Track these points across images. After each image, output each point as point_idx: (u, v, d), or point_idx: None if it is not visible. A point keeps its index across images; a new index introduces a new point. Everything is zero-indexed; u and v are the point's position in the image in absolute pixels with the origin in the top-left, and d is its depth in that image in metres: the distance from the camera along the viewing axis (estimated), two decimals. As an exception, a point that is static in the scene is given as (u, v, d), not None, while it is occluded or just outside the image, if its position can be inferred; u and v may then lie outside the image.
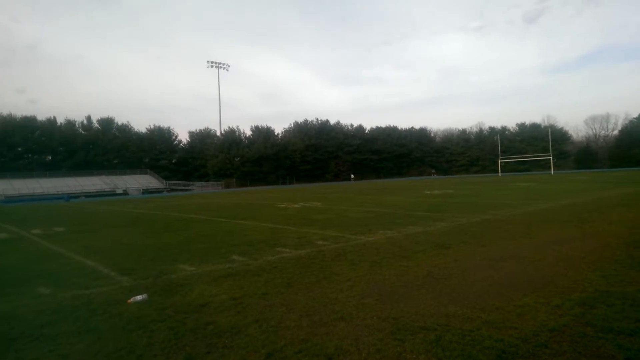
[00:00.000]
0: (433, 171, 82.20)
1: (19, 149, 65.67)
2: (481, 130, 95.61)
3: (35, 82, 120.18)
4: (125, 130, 75.22)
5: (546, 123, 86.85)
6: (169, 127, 79.44)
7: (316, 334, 4.00)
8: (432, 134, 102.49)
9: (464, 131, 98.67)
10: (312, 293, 5.35)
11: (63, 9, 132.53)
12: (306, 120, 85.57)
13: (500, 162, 71.19)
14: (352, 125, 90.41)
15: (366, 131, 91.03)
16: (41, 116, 68.64)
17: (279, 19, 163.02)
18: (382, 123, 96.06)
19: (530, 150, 78.90)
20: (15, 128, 63.41)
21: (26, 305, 5.36)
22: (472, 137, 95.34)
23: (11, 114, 65.77)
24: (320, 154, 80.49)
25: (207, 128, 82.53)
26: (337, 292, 5.32)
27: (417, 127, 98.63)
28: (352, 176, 73.55)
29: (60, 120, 70.36)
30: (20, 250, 10.38)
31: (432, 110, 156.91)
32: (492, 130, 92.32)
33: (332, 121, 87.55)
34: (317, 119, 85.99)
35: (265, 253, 8.25)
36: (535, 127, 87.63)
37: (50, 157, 68.63)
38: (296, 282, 5.90)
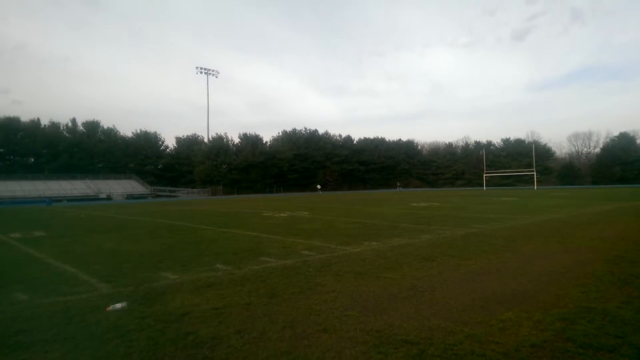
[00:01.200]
0: (398, 184, 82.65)
1: (1, 150, 64.67)
2: (467, 145, 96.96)
3: (20, 82, 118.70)
4: (110, 134, 74.54)
5: (530, 139, 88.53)
6: (156, 132, 79.09)
7: (298, 346, 3.95)
8: (419, 147, 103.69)
9: (450, 145, 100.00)
10: (296, 304, 5.30)
11: (52, 9, 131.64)
12: (295, 130, 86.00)
13: (485, 176, 72.04)
14: (340, 135, 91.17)
15: (354, 142, 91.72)
16: (25, 117, 67.96)
17: (270, 27, 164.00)
18: (371, 134, 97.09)
19: (514, 165, 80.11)
20: (-3, 129, 62.37)
21: (1, 312, 5.20)
22: (459, 150, 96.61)
23: (-8, 115, 64.64)
24: (309, 164, 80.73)
25: (195, 134, 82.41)
26: (321, 304, 5.28)
27: (404, 139, 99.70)
28: (319, 187, 73.20)
29: (45, 122, 69.59)
30: (-3, 255, 10.11)
31: (420, 123, 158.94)
32: (478, 144, 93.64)
33: (321, 131, 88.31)
34: (305, 128, 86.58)
35: (250, 262, 8.17)
36: (519, 142, 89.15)
37: (32, 160, 67.64)
38: (280, 293, 5.85)
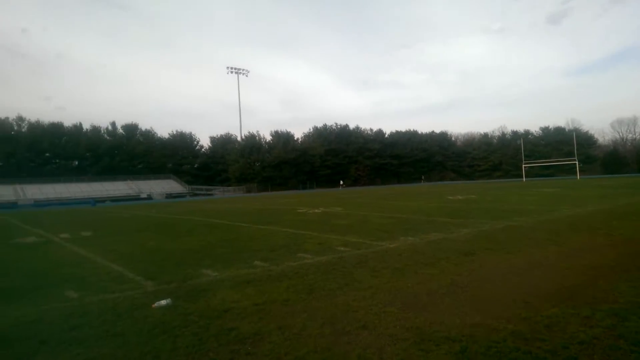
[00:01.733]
0: (422, 177, 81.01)
1: (47, 154, 67.78)
2: (503, 134, 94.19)
3: (62, 89, 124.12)
4: (148, 135, 76.82)
5: (570, 126, 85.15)
6: (191, 133, 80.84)
7: (339, 343, 3.97)
8: (453, 138, 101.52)
9: (485, 135, 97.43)
10: (334, 300, 5.33)
11: (89, 17, 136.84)
12: (325, 125, 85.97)
13: (524, 167, 69.86)
14: (371, 129, 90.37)
15: (386, 135, 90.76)
16: (68, 122, 70.87)
17: (297, 24, 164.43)
18: (402, 127, 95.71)
19: (554, 155, 77.31)
20: (43, 134, 65.65)
21: (55, 309, 5.47)
22: (495, 141, 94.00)
23: (39, 121, 68.17)
24: (340, 159, 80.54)
25: (228, 133, 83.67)
26: (359, 300, 5.28)
27: (437, 131, 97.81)
28: (342, 183, 72.58)
29: (86, 126, 72.47)
30: (49, 254, 10.65)
31: (453, 114, 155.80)
32: (515, 134, 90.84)
33: (352, 126, 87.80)
34: (336, 123, 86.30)
35: (287, 259, 8.26)
36: (559, 130, 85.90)
37: (77, 163, 70.52)
38: (318, 289, 5.89)
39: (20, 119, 67.09)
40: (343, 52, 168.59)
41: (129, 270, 7.79)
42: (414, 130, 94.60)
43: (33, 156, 65.11)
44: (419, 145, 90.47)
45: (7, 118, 65.88)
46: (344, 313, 4.80)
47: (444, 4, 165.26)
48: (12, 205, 47.34)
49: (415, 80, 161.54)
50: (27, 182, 57.49)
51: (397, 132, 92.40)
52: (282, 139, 76.43)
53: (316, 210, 20.84)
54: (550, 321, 4.28)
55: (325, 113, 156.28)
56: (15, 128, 66.40)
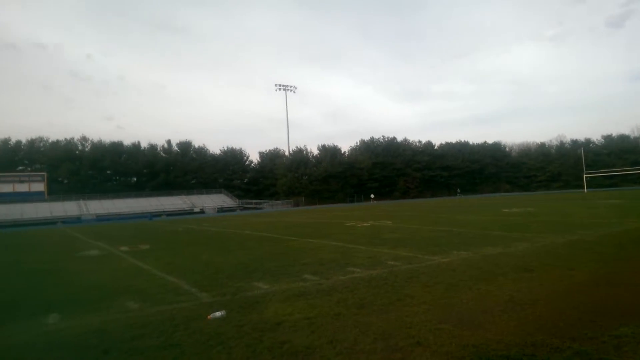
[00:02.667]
0: (458, 190, 77.61)
1: (108, 172, 71.92)
2: (562, 144, 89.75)
3: (122, 109, 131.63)
4: (201, 152, 79.67)
5: (636, 134, 79.73)
6: (241, 149, 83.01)
7: (392, 359, 3.91)
8: (507, 149, 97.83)
9: (542, 145, 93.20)
10: (386, 315, 5.26)
11: (146, 41, 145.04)
12: (372, 138, 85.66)
13: (586, 177, 66.07)
14: (420, 141, 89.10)
15: (435, 147, 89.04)
16: (127, 141, 74.95)
17: (343, 38, 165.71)
18: (452, 138, 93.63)
19: (618, 164, 72.55)
20: (105, 153, 69.75)
21: (116, 320, 5.75)
22: (552, 150, 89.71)
23: (101, 140, 72.53)
24: (388, 171, 79.79)
25: (276, 148, 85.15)
26: (412, 316, 5.18)
27: (490, 141, 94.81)
28: (372, 196, 70.96)
29: (144, 144, 76.20)
30: (110, 267, 11.24)
31: (507, 124, 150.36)
32: (575, 143, 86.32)
33: (400, 138, 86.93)
34: (383, 136, 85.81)
35: (337, 272, 8.26)
36: (623, 138, 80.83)
37: (135, 179, 74.20)
38: (369, 304, 5.83)
39: (84, 139, 71.91)
40: (390, 63, 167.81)
41: (184, 283, 8.07)
42: (464, 141, 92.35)
43: (95, 173, 69.36)
44: (470, 156, 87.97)
45: (72, 138, 70.96)
46: (396, 329, 4.72)
47: (497, 11, 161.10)
48: (77, 220, 50.53)
49: (466, 90, 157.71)
50: (90, 197, 61.11)
51: (447, 144, 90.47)
52: (329, 153, 76.94)
53: (365, 224, 20.71)
54: (619, 341, 4.01)
55: (372, 125, 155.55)
56: (80, 148, 71.19)
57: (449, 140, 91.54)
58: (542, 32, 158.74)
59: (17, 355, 4.57)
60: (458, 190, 78.02)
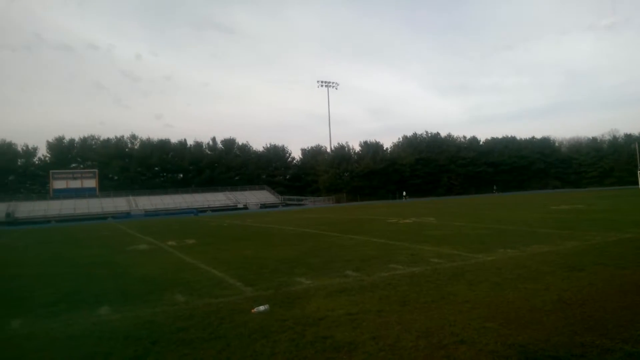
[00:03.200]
0: (495, 187, 74.05)
1: (156, 168, 74.55)
2: (615, 138, 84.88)
3: (169, 108, 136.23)
4: (244, 149, 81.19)
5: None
6: (283, 145, 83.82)
7: (435, 357, 3.87)
8: (556, 144, 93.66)
9: (594, 139, 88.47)
10: (429, 313, 5.19)
11: (193, 41, 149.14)
12: (415, 134, 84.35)
13: (640, 173, 62.12)
14: (464, 137, 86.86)
15: (480, 143, 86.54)
16: (174, 139, 77.29)
17: (386, 32, 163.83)
18: (499, 134, 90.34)
19: (680, 158, 67.65)
20: (153, 150, 72.39)
21: (165, 312, 5.99)
22: (605, 145, 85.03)
23: (149, 138, 75.25)
24: (431, 168, 78.28)
25: (318, 145, 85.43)
26: (455, 314, 5.09)
27: (538, 136, 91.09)
28: (405, 194, 69.04)
29: (190, 142, 78.43)
30: (158, 261, 11.70)
31: (556, 118, 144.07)
32: (629, 137, 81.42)
33: (443, 133, 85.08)
34: (427, 131, 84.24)
35: (379, 269, 8.23)
36: (683, 132, 75.11)
37: (181, 175, 76.57)
38: (411, 301, 5.78)
39: (134, 137, 74.95)
40: (436, 57, 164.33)
41: (229, 277, 8.30)
42: (511, 136, 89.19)
43: (144, 170, 72.17)
44: (517, 152, 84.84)
45: (122, 137, 74.13)
46: (440, 327, 4.66)
47: (547, 1, 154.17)
48: (126, 215, 52.94)
49: (515, 83, 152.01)
50: (139, 194, 63.78)
51: (493, 139, 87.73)
52: (371, 149, 76.41)
53: (407, 221, 20.47)
54: (681, 347, 3.77)
55: (415, 121, 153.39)
56: (129, 145, 74.31)
57: (495, 136, 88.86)
58: (595, 22, 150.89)
59: (76, 344, 4.86)
60: (494, 187, 75.15)
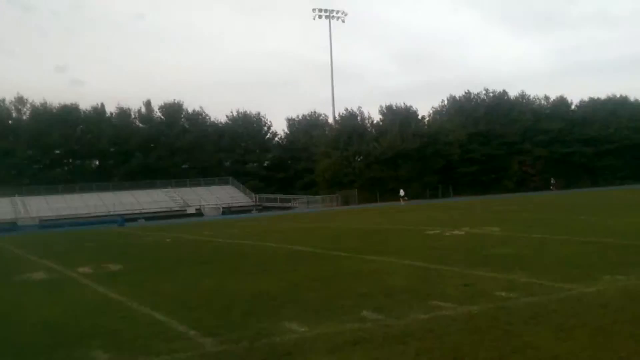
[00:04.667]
0: (553, 181, 74.04)
1: (57, 151, 72.94)
2: None
3: (78, 54, 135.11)
4: (197, 120, 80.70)
5: None
6: (259, 114, 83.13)
7: None
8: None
9: None
10: (495, 376, 5.27)
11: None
12: (469, 94, 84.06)
13: None
14: (547, 97, 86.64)
15: (573, 107, 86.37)
16: (85, 104, 76.42)
17: None
18: (602, 93, 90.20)
19: None
20: (51, 123, 70.06)
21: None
22: None
23: (46, 103, 72.61)
24: (494, 148, 78.03)
25: (314, 113, 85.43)
26: (537, 378, 5.16)
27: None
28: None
29: (111, 109, 77.45)
30: (65, 298, 11.72)
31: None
32: None
33: (513, 92, 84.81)
34: (486, 90, 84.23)
35: (413, 308, 8.29)
36: None
37: (97, 163, 76.00)
38: (468, 357, 5.84)
39: (20, 101, 72.99)
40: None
41: (178, 322, 8.35)
42: (624, 96, 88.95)
43: (37, 155, 71.01)
44: (632, 122, 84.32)
45: (2, 100, 71.72)
46: (511, 397, 4.73)
47: None
48: (11, 227, 52.35)
49: (631, 10, 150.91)
50: (30, 192, 62.99)
51: (593, 101, 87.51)
52: (399, 119, 75.90)
53: (457, 232, 20.56)
54: None
55: (470, 73, 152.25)
56: (14, 115, 72.95)
57: (595, 96, 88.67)
58: None
59: None
60: (552, 182, 74.85)
